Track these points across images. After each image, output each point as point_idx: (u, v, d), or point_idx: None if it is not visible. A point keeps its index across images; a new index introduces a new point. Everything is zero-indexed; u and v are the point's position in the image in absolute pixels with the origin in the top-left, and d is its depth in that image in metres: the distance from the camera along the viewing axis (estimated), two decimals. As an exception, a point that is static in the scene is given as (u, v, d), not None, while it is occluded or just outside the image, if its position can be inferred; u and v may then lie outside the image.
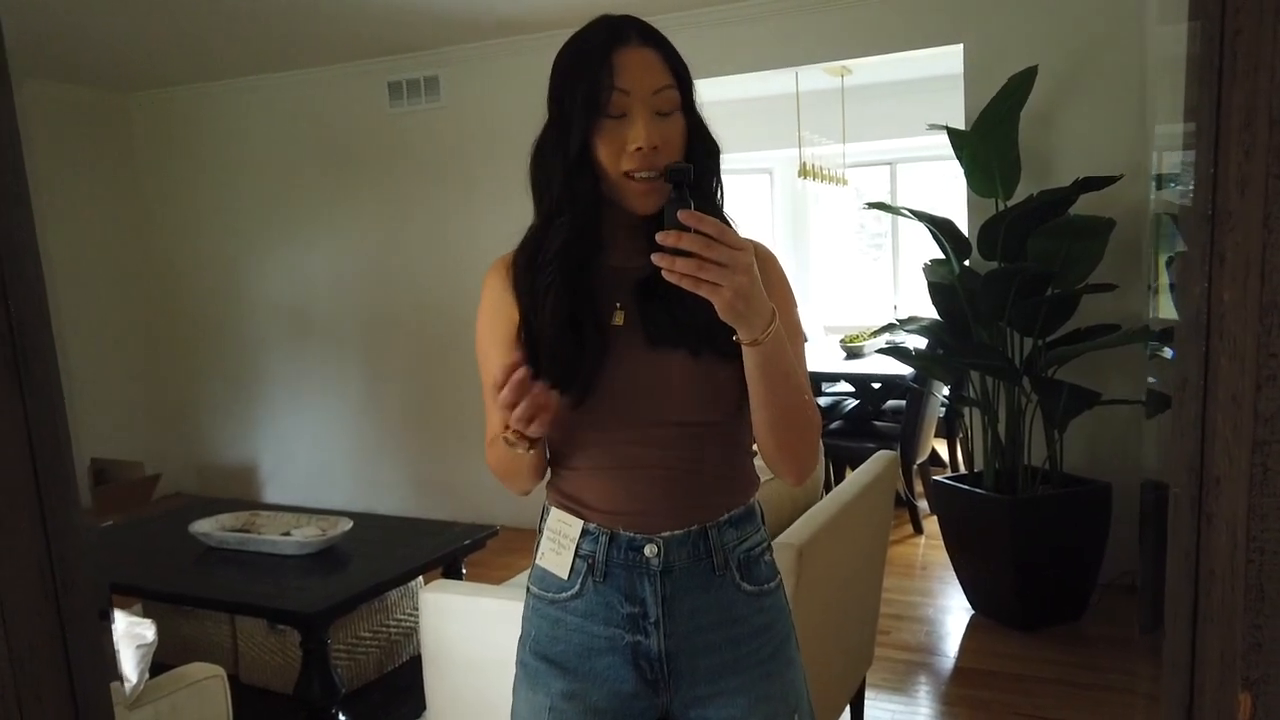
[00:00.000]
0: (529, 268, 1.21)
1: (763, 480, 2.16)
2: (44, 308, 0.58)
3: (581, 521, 1.22)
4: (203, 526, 3.17)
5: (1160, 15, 2.79)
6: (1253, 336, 0.51)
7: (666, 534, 1.20)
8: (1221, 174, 0.51)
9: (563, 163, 1.15)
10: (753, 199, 7.40)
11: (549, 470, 1.30)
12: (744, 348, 1.08)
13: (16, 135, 0.56)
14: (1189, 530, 0.56)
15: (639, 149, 1.11)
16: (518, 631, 1.32)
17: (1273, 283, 0.50)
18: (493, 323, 1.26)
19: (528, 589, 1.30)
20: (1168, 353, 2.77)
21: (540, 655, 1.25)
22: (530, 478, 1.27)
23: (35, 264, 0.57)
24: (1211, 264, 0.52)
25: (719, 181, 1.23)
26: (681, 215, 0.98)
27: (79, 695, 0.58)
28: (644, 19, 1.19)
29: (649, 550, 1.20)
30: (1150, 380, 3.20)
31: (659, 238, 0.99)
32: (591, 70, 1.11)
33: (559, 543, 1.24)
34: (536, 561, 1.28)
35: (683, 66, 1.17)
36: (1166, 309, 2.99)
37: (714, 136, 1.21)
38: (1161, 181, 2.85)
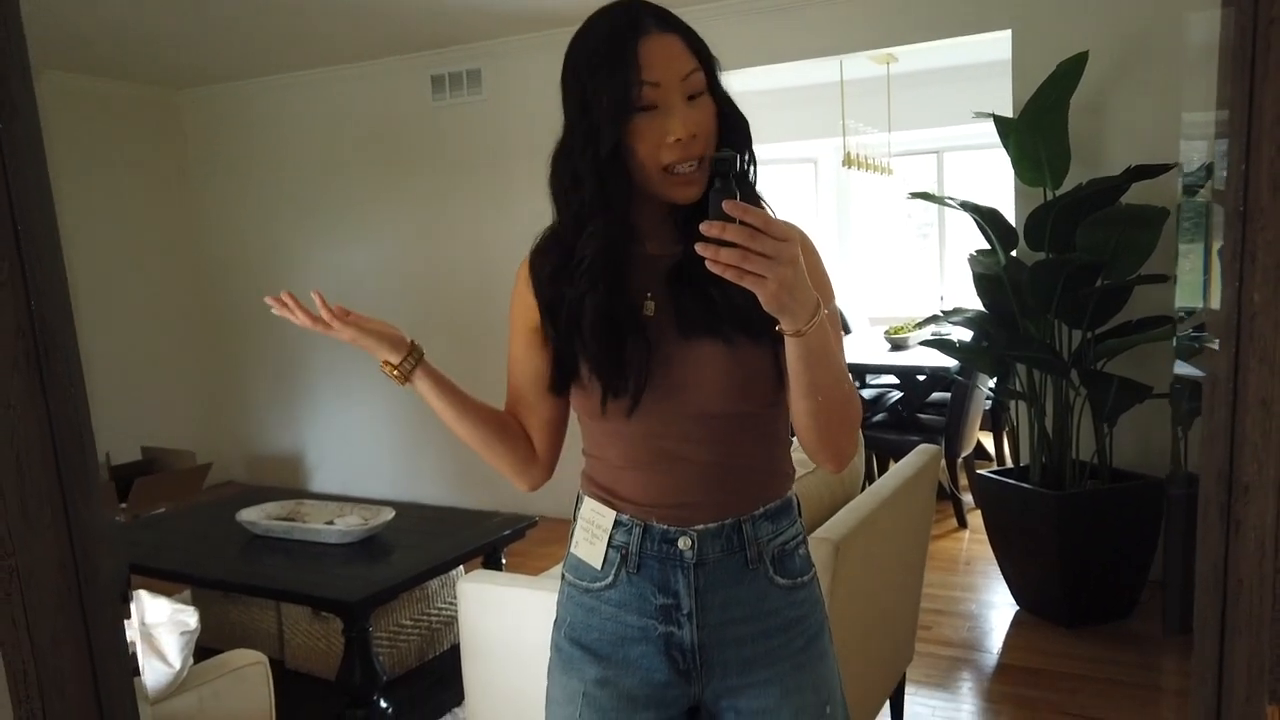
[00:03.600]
0: (555, 277, 1.19)
1: (802, 472, 2.15)
2: (66, 304, 0.59)
3: (614, 512, 1.22)
4: (249, 515, 3.23)
5: (1194, 2, 2.70)
6: (1284, 338, 0.49)
7: (700, 527, 1.20)
8: (1254, 170, 0.49)
9: (594, 165, 1.11)
10: (797, 189, 7.34)
11: (544, 466, 1.34)
12: (787, 339, 1.05)
13: (40, 142, 0.56)
14: (1217, 538, 0.54)
15: (678, 140, 1.08)
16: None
17: (1305, 283, 0.48)
18: (520, 319, 1.27)
19: (563, 575, 1.31)
20: (1216, 343, 2.69)
21: (575, 641, 1.26)
22: (514, 470, 1.33)
23: (58, 262, 0.58)
24: (1243, 263, 0.50)
25: (752, 158, 1.20)
26: (726, 205, 0.95)
27: (102, 688, 0.59)
28: (677, 8, 1.16)
29: (682, 543, 1.20)
30: (1194, 373, 3.11)
31: (703, 228, 0.96)
32: (616, 67, 1.08)
33: (592, 532, 1.25)
34: (571, 549, 1.29)
35: (703, 46, 1.14)
36: (1217, 298, 2.91)
37: (741, 113, 1.18)
38: (1213, 170, 2.76)
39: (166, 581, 3.09)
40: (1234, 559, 0.54)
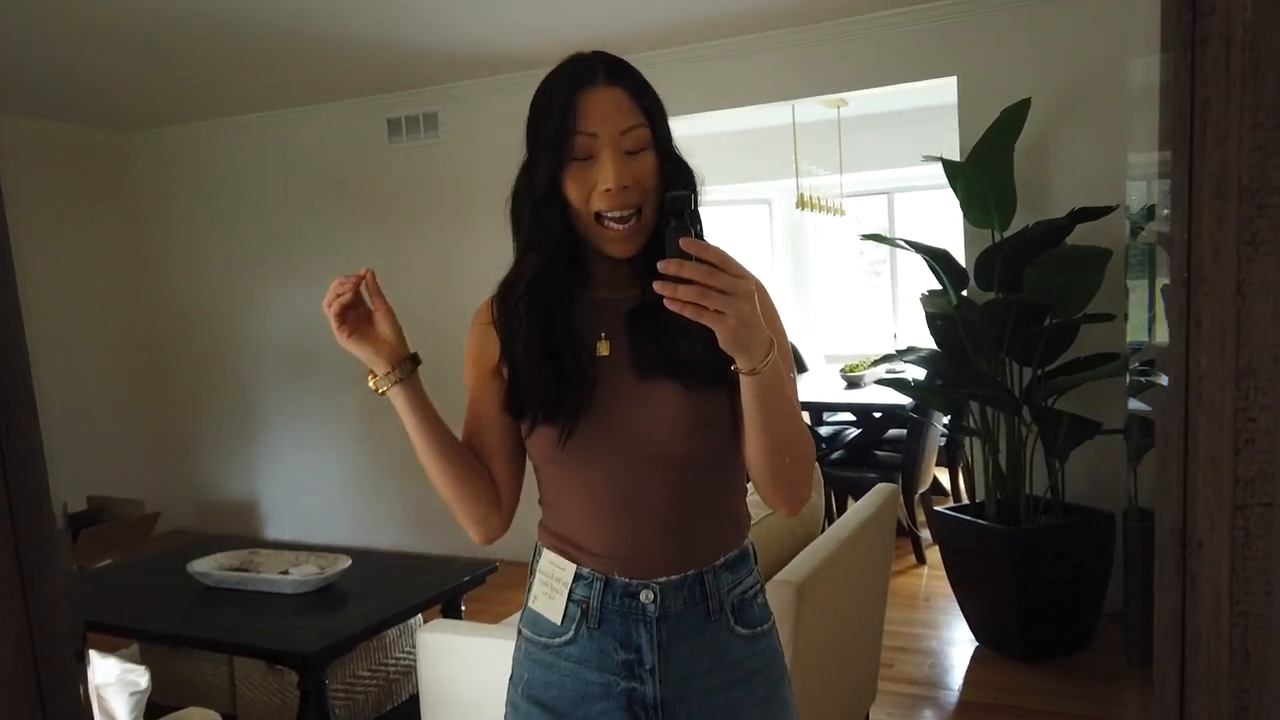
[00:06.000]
0: (505, 303, 1.22)
1: (759, 515, 2.15)
2: (28, 380, 0.58)
3: (574, 565, 1.21)
4: (200, 566, 3.16)
5: (1135, 48, 2.82)
6: (1230, 400, 0.51)
7: (663, 579, 1.19)
8: (1195, 240, 0.51)
9: (532, 204, 1.16)
10: (751, 229, 7.43)
11: (499, 520, 1.30)
12: (742, 377, 1.06)
13: (2, 217, 0.56)
14: (1174, 592, 0.56)
15: (608, 190, 1.11)
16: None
17: (1248, 348, 0.50)
18: (474, 363, 1.27)
19: (519, 630, 1.28)
20: (1164, 379, 2.77)
21: (533, 699, 1.24)
22: (476, 517, 1.27)
23: (18, 334, 0.58)
24: (1189, 328, 0.53)
25: (698, 215, 1.22)
26: (684, 243, 0.96)
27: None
28: (633, 54, 1.19)
29: (645, 596, 1.18)
30: (1144, 407, 3.18)
31: (661, 266, 0.97)
32: (558, 114, 1.12)
33: (552, 586, 1.23)
34: (529, 604, 1.26)
35: (653, 102, 1.16)
36: (1163, 335, 2.99)
37: (692, 170, 1.20)
38: (1154, 212, 2.86)
39: (114, 636, 3.00)
40: (1191, 613, 0.56)
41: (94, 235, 5.49)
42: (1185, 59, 0.50)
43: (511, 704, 1.28)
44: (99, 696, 1.73)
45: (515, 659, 1.29)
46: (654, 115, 1.16)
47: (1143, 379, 2.91)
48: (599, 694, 1.20)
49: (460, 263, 4.87)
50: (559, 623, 1.21)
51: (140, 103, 4.98)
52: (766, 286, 1.20)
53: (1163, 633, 0.58)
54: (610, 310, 1.20)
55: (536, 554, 1.27)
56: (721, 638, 1.21)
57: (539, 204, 1.15)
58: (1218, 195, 0.49)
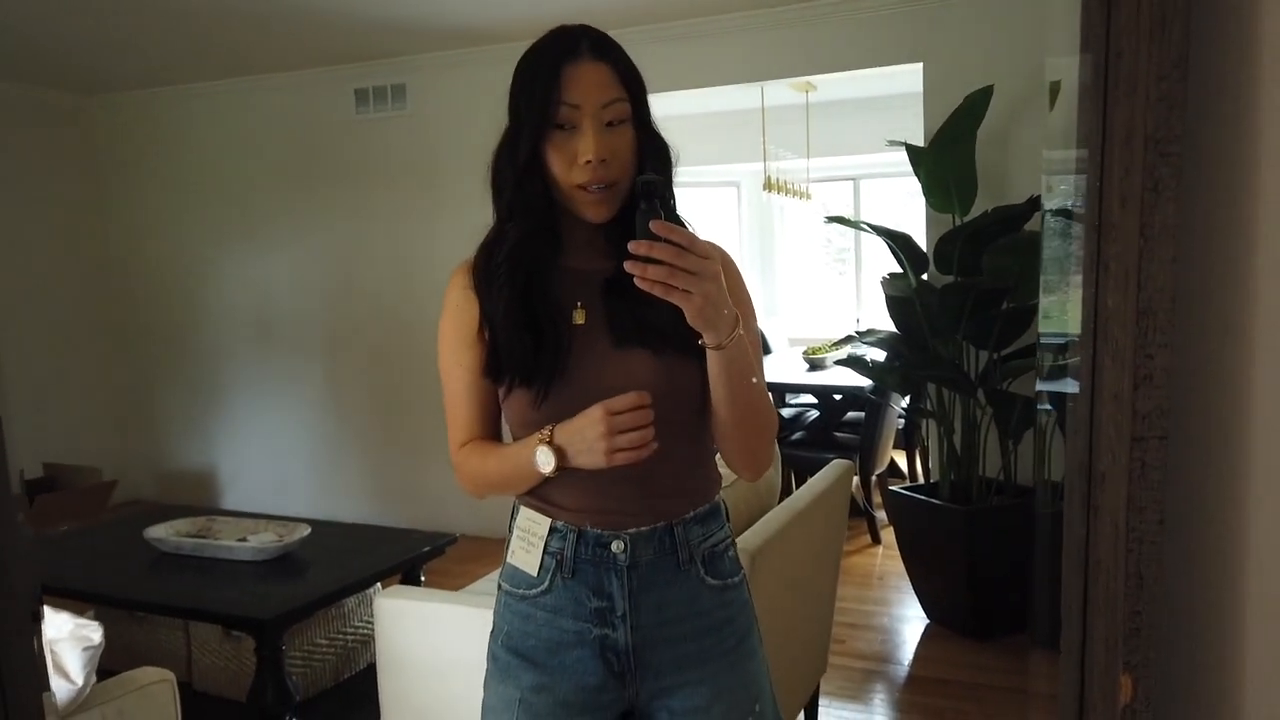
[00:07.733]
0: (487, 268, 1.25)
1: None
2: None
3: (549, 520, 1.26)
4: (157, 532, 3.14)
5: (1053, 49, 2.89)
6: (1131, 338, 0.54)
7: (633, 530, 1.24)
8: (1106, 189, 0.54)
9: (513, 171, 1.19)
10: (720, 211, 7.47)
11: None
12: (709, 351, 1.13)
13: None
14: (1080, 524, 0.60)
15: (588, 162, 1.15)
16: (474, 638, 1.35)
17: (1149, 289, 0.53)
18: (456, 326, 1.29)
19: (499, 585, 1.34)
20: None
21: (511, 649, 1.29)
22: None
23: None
24: (1098, 272, 0.56)
25: (672, 192, 1.26)
26: (653, 225, 1.03)
27: (10, 706, 0.58)
28: (603, 30, 1.22)
29: (616, 546, 1.24)
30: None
31: (631, 247, 1.03)
32: (542, 83, 1.15)
33: (528, 540, 1.28)
34: (507, 559, 1.31)
35: (634, 79, 1.20)
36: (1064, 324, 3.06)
37: (668, 147, 1.24)
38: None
39: (69, 600, 2.98)
40: (1094, 542, 0.59)
41: (55, 200, 5.39)
42: (1102, 16, 0.53)
43: (491, 655, 1.33)
44: (51, 652, 1.73)
45: (496, 612, 1.34)
46: (635, 91, 1.20)
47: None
48: (573, 642, 1.26)
49: (426, 234, 4.85)
50: (535, 574, 1.27)
51: (106, 67, 4.89)
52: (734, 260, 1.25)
53: (1069, 564, 0.62)
54: (585, 281, 1.24)
55: (514, 513, 1.32)
56: (691, 587, 1.27)
57: (521, 174, 1.18)
58: (1127, 145, 0.53)
